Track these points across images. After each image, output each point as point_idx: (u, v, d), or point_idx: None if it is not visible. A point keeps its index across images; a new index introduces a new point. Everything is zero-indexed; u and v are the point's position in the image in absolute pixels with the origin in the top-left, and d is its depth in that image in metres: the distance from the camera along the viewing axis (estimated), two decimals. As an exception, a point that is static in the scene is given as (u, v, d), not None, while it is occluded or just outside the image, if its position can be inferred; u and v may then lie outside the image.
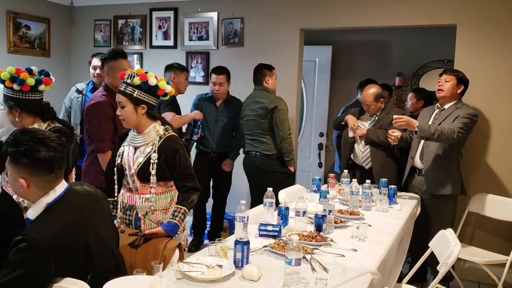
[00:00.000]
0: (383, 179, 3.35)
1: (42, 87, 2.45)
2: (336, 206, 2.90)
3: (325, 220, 2.45)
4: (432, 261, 2.83)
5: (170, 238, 2.23)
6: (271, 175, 3.94)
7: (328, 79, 5.49)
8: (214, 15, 4.79)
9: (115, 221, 2.41)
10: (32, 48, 5.15)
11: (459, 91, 3.49)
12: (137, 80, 2.29)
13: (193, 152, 4.36)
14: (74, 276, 1.64)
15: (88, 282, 1.65)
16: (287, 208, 2.58)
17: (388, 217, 2.94)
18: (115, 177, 2.43)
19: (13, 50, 4.94)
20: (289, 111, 4.12)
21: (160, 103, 3.70)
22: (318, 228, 2.43)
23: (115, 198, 2.47)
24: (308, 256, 2.06)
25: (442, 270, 2.29)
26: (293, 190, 3.45)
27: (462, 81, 3.48)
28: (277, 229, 2.38)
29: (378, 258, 2.17)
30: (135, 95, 2.30)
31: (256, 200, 3.95)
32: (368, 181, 3.28)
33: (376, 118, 3.86)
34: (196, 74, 4.92)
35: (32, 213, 1.72)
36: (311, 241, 2.26)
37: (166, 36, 5.07)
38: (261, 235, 2.38)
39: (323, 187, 3.45)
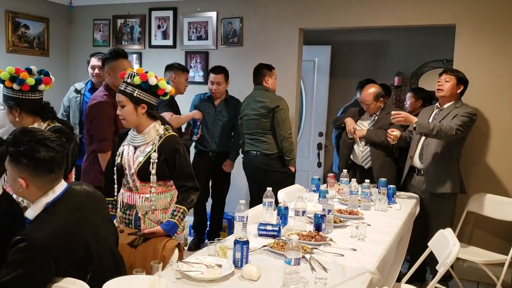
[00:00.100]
0: (382, 178, 3.36)
1: (42, 87, 2.45)
2: (335, 206, 2.90)
3: (324, 219, 2.45)
4: (431, 260, 2.83)
5: (170, 238, 2.23)
6: (271, 174, 3.95)
7: (327, 79, 5.49)
8: (213, 14, 4.79)
9: (114, 221, 2.41)
10: (31, 47, 5.14)
11: (458, 91, 3.49)
12: (137, 80, 2.29)
13: (192, 152, 4.36)
14: (73, 276, 1.64)
15: (88, 282, 1.65)
16: (286, 208, 2.58)
17: (387, 217, 2.94)
18: (115, 177, 2.43)
19: (12, 49, 4.93)
20: (289, 110, 4.11)
21: (159, 103, 3.69)
22: (318, 228, 2.43)
23: (115, 198, 2.47)
24: (307, 256, 2.06)
25: (441, 269, 2.29)
26: (292, 190, 3.45)
27: (462, 81, 3.48)
28: (277, 228, 2.38)
29: (377, 258, 2.17)
30: (135, 94, 2.30)
31: (255, 199, 3.95)
32: (367, 180, 3.28)
33: (376, 117, 3.86)
34: (195, 73, 4.92)
35: (31, 213, 1.72)
36: (311, 240, 2.26)
37: (165, 35, 5.07)
38: (260, 235, 2.38)
39: (322, 187, 3.45)
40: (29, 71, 2.43)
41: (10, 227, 1.73)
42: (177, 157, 2.33)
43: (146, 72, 2.31)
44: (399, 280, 2.83)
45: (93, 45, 5.41)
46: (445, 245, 2.39)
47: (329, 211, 2.54)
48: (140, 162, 2.32)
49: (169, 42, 5.04)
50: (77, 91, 3.99)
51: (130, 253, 2.12)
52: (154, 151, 2.31)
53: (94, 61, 3.92)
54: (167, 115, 3.84)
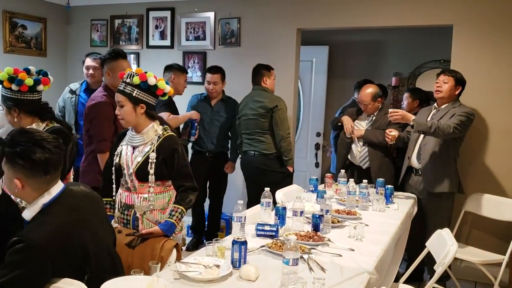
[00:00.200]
0: (380, 179, 3.36)
1: (40, 87, 2.44)
2: (333, 206, 2.90)
3: (322, 220, 2.46)
4: (429, 260, 2.83)
5: (168, 238, 2.23)
6: (270, 174, 3.95)
7: (325, 79, 5.50)
8: (211, 15, 4.79)
9: (112, 221, 2.41)
10: (29, 48, 5.13)
11: (457, 92, 3.51)
12: (136, 80, 2.29)
13: (189, 152, 4.35)
14: (71, 276, 1.63)
15: (85, 283, 1.65)
16: (284, 208, 2.59)
17: (385, 217, 2.94)
18: (113, 177, 2.43)
19: (9, 50, 4.92)
20: (287, 111, 4.12)
21: (157, 103, 3.69)
22: (315, 228, 2.44)
23: (113, 198, 2.47)
24: (305, 256, 2.06)
25: (439, 269, 2.29)
26: (290, 190, 3.45)
27: (460, 82, 3.50)
28: (275, 229, 2.38)
29: (375, 258, 2.17)
30: (134, 94, 2.31)
31: (253, 199, 3.94)
32: (365, 181, 3.29)
33: (374, 118, 3.87)
34: (193, 74, 4.92)
35: (28, 214, 1.71)
36: (309, 241, 2.27)
37: (163, 36, 5.07)
38: (258, 235, 2.38)
39: (320, 187, 3.45)
40: (27, 71, 2.43)
41: (10, 227, 1.73)
42: (176, 157, 2.33)
43: (145, 72, 2.32)
44: (397, 280, 2.84)
45: (91, 45, 5.41)
46: (443, 245, 2.39)
47: (327, 211, 2.54)
48: (139, 162, 2.32)
49: (167, 42, 5.04)
50: (72, 92, 3.98)
51: (128, 254, 2.12)
52: (153, 151, 2.31)
53: (89, 62, 3.92)
54: (164, 115, 3.83)
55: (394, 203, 3.24)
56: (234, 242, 1.95)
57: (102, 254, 1.80)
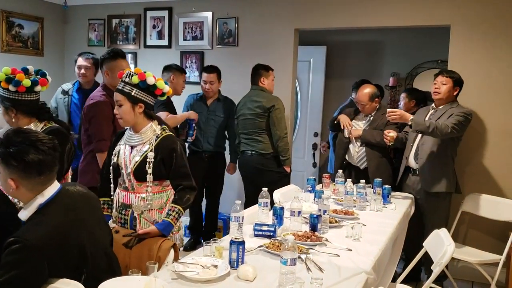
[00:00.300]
0: (378, 179, 3.37)
1: (38, 88, 2.43)
2: (331, 206, 2.91)
3: (320, 220, 2.46)
4: (426, 260, 2.84)
5: (165, 238, 2.22)
6: (267, 174, 3.95)
7: (323, 79, 5.50)
8: (208, 14, 4.78)
9: (110, 221, 2.40)
10: (25, 47, 5.12)
11: (455, 93, 3.52)
12: (135, 79, 2.30)
13: (186, 152, 4.35)
14: (67, 277, 1.63)
15: (82, 283, 1.64)
16: (282, 208, 2.59)
17: (382, 217, 2.95)
18: (111, 176, 2.43)
19: (6, 49, 4.91)
20: (285, 111, 4.12)
21: (155, 103, 3.69)
22: (313, 228, 2.44)
23: (111, 198, 2.46)
24: (303, 256, 2.06)
25: (436, 269, 2.30)
26: (288, 190, 3.45)
27: (458, 83, 3.50)
28: (272, 229, 2.38)
29: (373, 258, 2.17)
30: (132, 93, 2.31)
31: (250, 199, 3.95)
32: (362, 181, 3.29)
33: (371, 118, 3.87)
34: (191, 74, 4.91)
35: (24, 214, 1.71)
36: (306, 241, 2.27)
37: (160, 35, 5.06)
38: (256, 235, 2.37)
39: (318, 187, 3.46)
40: (25, 71, 2.42)
41: (10, 227, 1.72)
42: (174, 156, 2.33)
43: (145, 72, 2.32)
44: (394, 280, 2.84)
45: (88, 45, 5.40)
46: (440, 245, 2.39)
47: (325, 211, 2.54)
48: (137, 162, 2.32)
49: (164, 42, 5.03)
50: (64, 92, 3.97)
51: (125, 254, 2.12)
52: (151, 150, 2.31)
53: (81, 61, 3.91)
54: (162, 114, 3.83)
55: (391, 203, 3.25)
56: (232, 242, 1.95)
57: (98, 254, 1.80)
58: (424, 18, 3.95)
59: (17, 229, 1.66)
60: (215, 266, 1.89)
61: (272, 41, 4.52)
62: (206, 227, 4.53)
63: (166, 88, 2.39)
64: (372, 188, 3.36)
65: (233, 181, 4.73)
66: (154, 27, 5.08)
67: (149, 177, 2.32)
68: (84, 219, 1.77)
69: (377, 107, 3.89)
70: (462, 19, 3.82)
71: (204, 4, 4.80)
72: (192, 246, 4.36)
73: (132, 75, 2.31)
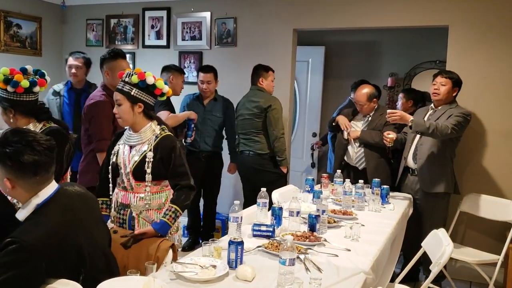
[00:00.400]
0: (376, 179, 3.37)
1: (36, 89, 2.42)
2: (329, 206, 2.91)
3: (318, 220, 2.46)
4: (425, 260, 2.84)
5: (164, 239, 2.22)
6: (263, 174, 3.95)
7: (321, 79, 5.51)
8: (207, 14, 4.78)
9: (108, 221, 2.40)
10: (23, 47, 5.11)
11: (454, 94, 3.52)
12: (135, 79, 2.30)
13: (184, 152, 4.34)
14: (65, 277, 1.63)
15: (80, 283, 1.64)
16: (280, 208, 2.58)
17: (381, 217, 2.95)
18: (110, 176, 2.43)
19: (4, 49, 4.90)
20: (282, 111, 4.12)
21: (155, 103, 3.69)
22: (312, 228, 2.44)
23: (110, 197, 2.46)
24: (301, 256, 2.06)
25: (434, 269, 2.30)
26: (286, 190, 3.45)
27: (457, 83, 3.51)
28: (271, 229, 2.38)
29: (372, 258, 2.17)
30: (132, 93, 2.31)
31: (248, 199, 3.95)
32: (361, 181, 3.29)
33: (370, 118, 3.88)
34: (189, 74, 4.91)
35: (21, 214, 1.70)
36: (305, 241, 2.26)
37: (159, 35, 5.05)
38: (254, 235, 2.37)
39: (316, 187, 3.46)
40: (24, 71, 2.41)
41: (10, 227, 1.72)
42: (173, 156, 2.32)
43: (144, 72, 2.32)
44: (392, 280, 2.84)
45: (86, 45, 5.39)
46: (439, 245, 2.40)
47: (323, 211, 2.54)
48: (136, 161, 2.32)
49: (163, 42, 5.03)
50: (55, 93, 3.96)
51: (124, 254, 2.11)
52: (150, 150, 2.31)
53: (71, 61, 3.90)
54: (164, 113, 3.85)
55: (390, 203, 3.25)
56: (230, 243, 1.94)
57: (96, 254, 1.79)
58: (422, 19, 3.96)
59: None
60: (214, 267, 1.89)
61: (271, 41, 4.52)
62: (204, 227, 4.53)
63: (166, 88, 2.40)
64: (370, 188, 3.37)
65: (230, 181, 4.73)
66: (152, 27, 5.07)
67: (148, 177, 2.32)
68: (82, 219, 1.76)
69: (375, 107, 3.89)
70: (460, 19, 3.83)
71: (202, 4, 4.79)
72: (190, 246, 4.35)
73: (132, 74, 2.32)
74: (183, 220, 4.30)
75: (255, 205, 2.70)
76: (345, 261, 2.11)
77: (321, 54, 5.47)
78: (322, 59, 5.47)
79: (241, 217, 2.32)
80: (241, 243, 1.94)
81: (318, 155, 5.61)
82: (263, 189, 2.67)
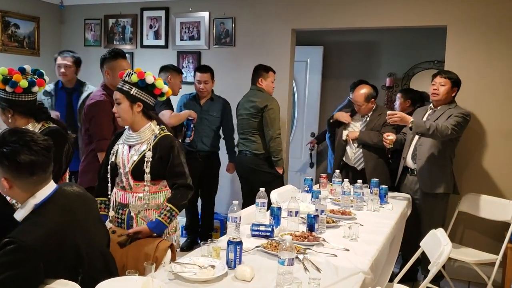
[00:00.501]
0: (375, 179, 3.37)
1: (35, 89, 2.41)
2: (328, 206, 2.91)
3: (317, 220, 2.46)
4: (423, 260, 2.84)
5: (162, 239, 2.22)
6: (259, 174, 3.96)
7: (320, 79, 5.51)
8: (205, 14, 4.78)
9: (107, 221, 2.40)
10: (21, 47, 5.10)
11: (453, 94, 3.52)
12: (134, 78, 2.31)
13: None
14: (64, 277, 1.62)
15: (79, 284, 1.64)
16: (279, 208, 2.58)
17: (379, 217, 2.95)
18: (108, 175, 2.43)
19: (2, 49, 4.89)
20: (281, 111, 4.12)
21: (155, 104, 3.68)
22: (310, 228, 2.43)
23: (108, 197, 2.46)
24: (300, 256, 2.06)
25: (433, 269, 2.30)
26: (285, 190, 3.46)
27: (457, 83, 3.51)
28: (270, 229, 2.38)
29: (370, 258, 2.17)
30: (131, 92, 2.31)
31: (247, 199, 3.95)
32: (359, 181, 3.29)
33: (368, 118, 3.87)
34: (188, 74, 4.90)
35: (19, 215, 1.70)
36: (304, 241, 2.26)
37: (157, 35, 5.05)
38: (253, 235, 2.37)
39: (315, 187, 3.45)
40: (22, 71, 2.40)
41: (10, 227, 1.71)
42: (171, 155, 2.33)
43: (145, 72, 2.33)
44: (391, 280, 2.84)
45: (84, 45, 5.38)
46: (437, 245, 2.40)
47: (322, 211, 2.54)
48: (135, 161, 2.32)
49: (161, 42, 5.02)
50: (46, 93, 3.93)
51: (122, 254, 2.11)
52: (149, 150, 2.31)
53: (59, 60, 3.90)
54: (166, 113, 3.86)
55: (388, 203, 3.25)
56: (229, 243, 1.94)
57: (95, 254, 1.79)
58: (420, 19, 3.96)
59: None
60: (213, 267, 1.89)
61: (269, 41, 4.52)
62: (202, 227, 4.53)
63: (165, 88, 2.40)
64: (369, 188, 3.37)
65: (228, 181, 4.73)
66: (150, 27, 5.07)
67: (147, 177, 2.31)
68: (80, 220, 1.76)
69: (373, 107, 3.89)
70: (459, 19, 3.83)
71: (201, 4, 4.79)
72: (189, 246, 4.35)
73: (132, 74, 2.33)
74: (181, 220, 4.30)
75: (254, 205, 2.70)
76: (344, 261, 2.11)
77: (319, 54, 5.47)
78: (320, 59, 5.48)
79: (240, 217, 2.32)
80: (240, 243, 1.94)
81: (317, 151, 5.59)
82: (262, 189, 2.67)
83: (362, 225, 2.60)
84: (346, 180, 3.38)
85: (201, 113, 4.26)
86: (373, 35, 5.33)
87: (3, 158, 1.64)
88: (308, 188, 3.42)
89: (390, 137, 3.47)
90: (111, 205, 2.45)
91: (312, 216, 2.45)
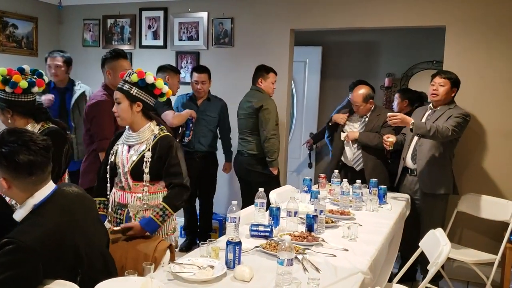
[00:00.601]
0: (374, 179, 3.37)
1: (35, 89, 2.41)
2: (327, 206, 2.91)
3: (316, 220, 2.45)
4: (422, 260, 2.84)
5: (161, 239, 2.21)
6: (254, 175, 3.96)
7: (318, 79, 5.51)
8: (204, 15, 4.78)
9: (106, 221, 2.39)
10: (19, 47, 5.09)
11: (453, 94, 3.52)
12: (134, 77, 2.31)
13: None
14: (63, 278, 1.62)
15: (78, 284, 1.63)
16: (278, 209, 2.58)
17: (378, 217, 2.95)
18: (108, 175, 2.43)
19: (0, 49, 4.87)
20: (279, 111, 4.12)
21: (157, 105, 3.67)
22: (310, 228, 2.43)
23: (107, 197, 2.46)
24: (299, 256, 2.06)
25: (432, 269, 2.30)
26: (284, 191, 3.45)
27: (456, 83, 3.51)
28: (269, 229, 2.38)
29: (369, 258, 2.17)
30: (131, 92, 2.32)
31: (245, 199, 3.94)
32: (358, 181, 3.29)
33: (366, 119, 3.87)
34: (186, 74, 4.90)
35: (18, 215, 1.70)
36: (303, 241, 2.26)
37: (155, 36, 5.04)
38: (252, 236, 2.37)
39: (314, 187, 3.45)
40: (21, 71, 2.40)
41: (10, 227, 1.71)
42: (169, 155, 2.33)
43: (145, 72, 2.33)
44: (390, 280, 2.84)
45: (83, 45, 5.38)
46: (436, 245, 2.40)
47: (321, 211, 2.54)
48: (134, 161, 2.33)
49: (160, 42, 5.02)
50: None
51: (121, 255, 2.11)
52: (148, 150, 2.32)
53: (49, 61, 3.89)
54: (170, 113, 3.87)
55: (387, 203, 3.26)
56: (228, 243, 1.94)
57: (94, 254, 1.79)
58: (419, 19, 3.96)
59: None
60: (212, 267, 1.89)
61: (268, 41, 4.52)
62: (201, 228, 4.52)
63: (165, 88, 2.41)
64: (368, 188, 3.37)
65: (226, 182, 4.73)
66: (149, 27, 5.06)
67: (146, 177, 2.32)
68: (79, 220, 1.76)
69: (372, 108, 3.89)
70: (458, 19, 3.83)
71: (199, 4, 4.79)
72: (187, 247, 4.35)
73: (132, 73, 2.33)
74: (180, 220, 4.29)
75: (253, 205, 2.70)
76: (343, 261, 2.11)
77: (318, 54, 5.47)
78: (319, 59, 5.48)
79: (239, 217, 2.32)
80: (239, 243, 1.94)
81: (316, 151, 5.59)
82: (261, 190, 2.67)
83: (361, 225, 2.60)
84: (345, 180, 3.38)
85: (198, 113, 4.25)
86: (372, 35, 5.33)
87: (1, 158, 1.64)
88: (307, 188, 3.42)
89: (390, 139, 3.46)
90: (110, 205, 2.44)
91: (311, 216, 2.45)
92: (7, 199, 2.00)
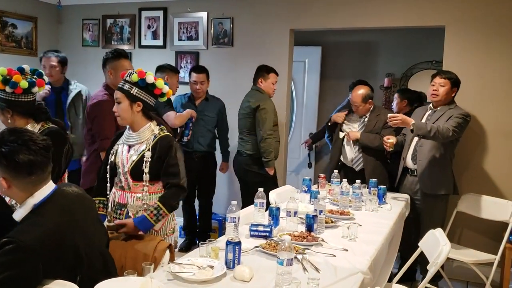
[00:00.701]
0: (373, 179, 3.37)
1: (35, 89, 2.41)
2: (326, 206, 2.90)
3: (316, 220, 2.45)
4: (422, 260, 2.84)
5: (161, 239, 2.21)
6: (250, 175, 3.96)
7: (318, 79, 5.51)
8: (203, 15, 4.77)
9: (105, 221, 2.39)
10: (19, 47, 5.08)
11: (453, 94, 3.52)
12: (135, 77, 2.31)
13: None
14: (63, 278, 1.62)
15: (78, 284, 1.63)
16: (278, 209, 2.58)
17: (378, 217, 2.95)
18: (107, 175, 2.43)
19: (-1, 49, 4.88)
20: (279, 111, 4.12)
21: (158, 106, 3.66)
22: (309, 228, 2.43)
23: (107, 197, 2.46)
24: (299, 256, 2.06)
25: (431, 269, 2.30)
26: (284, 191, 3.45)
27: (456, 83, 3.51)
28: (268, 229, 2.38)
29: (369, 258, 2.17)
30: (131, 91, 2.32)
31: (245, 199, 3.94)
32: (358, 181, 3.28)
33: (366, 119, 3.87)
34: (186, 74, 4.89)
35: (18, 214, 1.70)
36: (302, 241, 2.26)
37: (155, 36, 5.04)
38: (252, 236, 2.37)
39: (314, 187, 3.45)
40: (21, 71, 2.40)
41: (10, 227, 1.71)
42: (168, 155, 2.33)
43: (145, 72, 2.33)
44: (390, 280, 2.84)
45: (82, 45, 5.37)
46: (436, 245, 2.40)
47: (321, 211, 2.54)
48: (134, 161, 2.33)
49: (159, 42, 5.02)
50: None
51: (121, 255, 2.11)
52: (148, 150, 2.32)
53: (44, 61, 3.87)
54: (172, 114, 3.87)
55: (387, 203, 3.26)
56: (228, 243, 1.94)
57: (94, 255, 1.79)
58: (418, 19, 3.96)
59: None
60: (211, 267, 1.89)
61: (267, 41, 4.52)
62: (201, 228, 4.52)
63: (166, 88, 2.41)
64: (367, 188, 3.37)
65: (225, 182, 4.73)
66: (149, 27, 5.06)
67: (146, 177, 2.32)
68: (79, 220, 1.76)
69: (371, 108, 3.89)
70: (457, 19, 3.84)
71: (199, 4, 4.79)
72: (187, 247, 4.34)
73: (132, 73, 2.33)
74: (179, 221, 4.29)
75: (253, 205, 2.70)
76: (343, 261, 2.11)
77: (317, 54, 5.47)
78: (319, 59, 5.48)
79: (239, 217, 2.32)
80: (238, 243, 1.94)
81: (315, 151, 5.59)
82: (260, 190, 2.67)
83: (360, 225, 2.60)
84: (344, 180, 3.38)
85: (197, 113, 4.26)
86: (372, 35, 5.33)
87: (1, 158, 1.64)
88: (306, 188, 3.42)
89: (390, 140, 3.46)
90: (109, 204, 2.44)
91: (310, 216, 2.45)
92: (7, 199, 2.00)
